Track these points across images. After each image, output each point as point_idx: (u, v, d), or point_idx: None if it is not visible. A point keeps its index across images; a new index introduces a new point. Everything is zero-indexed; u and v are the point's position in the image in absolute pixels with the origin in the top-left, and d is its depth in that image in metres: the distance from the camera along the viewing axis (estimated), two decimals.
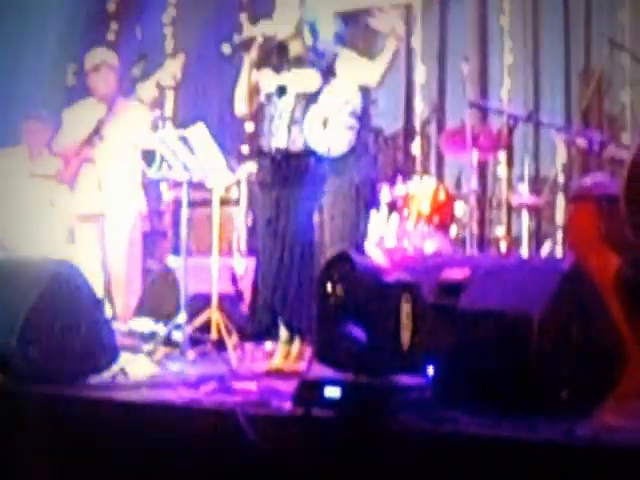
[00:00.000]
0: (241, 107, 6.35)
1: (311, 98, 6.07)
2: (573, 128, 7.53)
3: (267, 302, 6.11)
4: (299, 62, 6.16)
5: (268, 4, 7.34)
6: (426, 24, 9.75)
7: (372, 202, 6.62)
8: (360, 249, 6.24)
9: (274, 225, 6.11)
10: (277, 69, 6.19)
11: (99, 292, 6.53)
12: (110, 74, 7.59)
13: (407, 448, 4.00)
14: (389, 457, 4.02)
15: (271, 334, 6.16)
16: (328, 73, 6.10)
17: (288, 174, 6.10)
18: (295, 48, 6.20)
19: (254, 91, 6.25)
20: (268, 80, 6.19)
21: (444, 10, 9.71)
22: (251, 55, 6.20)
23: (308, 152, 6.06)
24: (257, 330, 6.25)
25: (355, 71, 6.14)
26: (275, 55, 6.23)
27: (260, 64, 6.23)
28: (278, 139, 6.09)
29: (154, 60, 8.01)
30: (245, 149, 9.60)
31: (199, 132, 7.07)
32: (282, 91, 6.12)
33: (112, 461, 4.70)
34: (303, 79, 6.11)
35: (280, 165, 6.11)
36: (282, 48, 6.22)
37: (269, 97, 6.17)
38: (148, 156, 7.40)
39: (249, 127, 9.26)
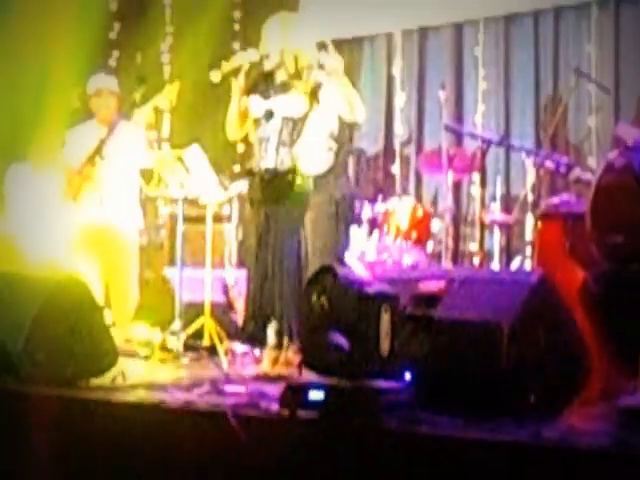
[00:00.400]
0: (232, 131, 6.34)
1: (297, 122, 6.06)
2: (542, 151, 7.52)
3: (257, 311, 6.09)
4: (285, 88, 6.14)
5: (258, 33, 7.36)
6: (406, 53, 9.76)
7: (350, 218, 6.60)
8: (341, 262, 6.23)
9: (264, 239, 6.08)
10: (265, 95, 6.16)
11: (99, 300, 6.49)
12: (111, 98, 7.57)
13: (386, 447, 3.97)
14: (369, 456, 3.99)
15: (260, 341, 6.13)
16: (312, 99, 6.09)
17: (277, 192, 6.08)
18: (281, 75, 6.18)
19: (244, 116, 6.23)
20: (257, 105, 6.17)
21: (422, 40, 9.71)
22: (239, 82, 6.20)
23: (295, 171, 6.05)
24: (247, 336, 6.22)
25: (335, 103, 6.13)
26: (262, 82, 6.22)
27: (249, 90, 6.21)
28: (267, 160, 6.07)
29: (152, 85, 7.98)
30: (237, 168, 9.57)
31: (194, 153, 7.09)
32: (270, 115, 6.10)
33: (110, 459, 4.67)
34: (289, 104, 6.08)
35: (269, 184, 6.09)
36: (269, 75, 6.21)
37: (258, 121, 6.15)
38: (146, 174, 7.40)
39: (240, 148, 9.28)
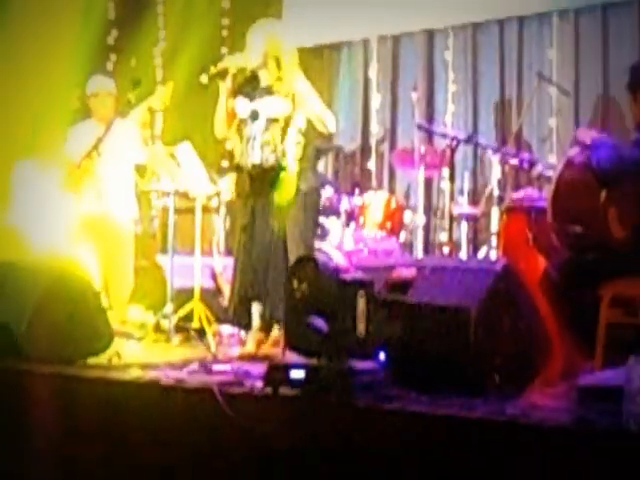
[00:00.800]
0: (220, 130, 6.34)
1: (281, 122, 6.07)
2: (506, 149, 7.53)
3: (243, 295, 6.09)
4: (269, 91, 6.13)
5: (244, 38, 7.34)
6: (381, 58, 9.74)
7: (318, 209, 6.62)
8: (312, 250, 6.25)
9: (250, 229, 6.10)
10: (250, 97, 6.16)
11: (97, 285, 6.48)
12: (108, 99, 7.54)
13: (360, 422, 3.98)
14: (345, 430, 3.99)
15: (246, 324, 6.13)
16: (293, 101, 6.08)
17: (262, 186, 6.08)
18: (265, 79, 6.17)
19: (231, 116, 6.23)
20: (242, 106, 6.16)
21: (396, 46, 9.70)
22: (226, 84, 6.20)
23: (279, 167, 6.05)
24: (234, 319, 6.22)
25: (310, 107, 6.14)
26: (248, 85, 6.22)
27: (235, 93, 6.21)
28: (254, 157, 6.09)
29: (146, 87, 7.97)
30: (225, 164, 9.55)
31: (185, 149, 7.08)
32: (255, 116, 6.11)
33: (105, 432, 4.67)
34: (272, 106, 6.08)
35: (256, 179, 6.10)
36: (253, 78, 6.21)
37: (244, 121, 6.15)
38: (140, 169, 7.39)
39: (228, 145, 9.23)
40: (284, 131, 6.09)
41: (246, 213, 6.15)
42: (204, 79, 5.87)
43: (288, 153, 6.10)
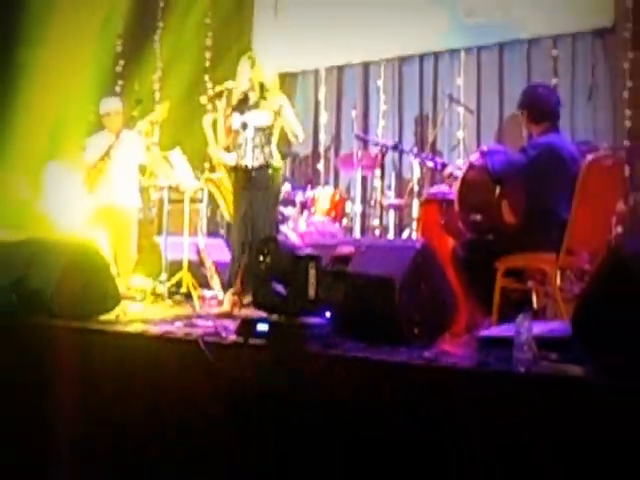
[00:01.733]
0: (222, 140, 6.29)
1: (265, 130, 6.07)
2: (424, 154, 7.53)
3: (235, 264, 6.06)
4: (255, 106, 6.10)
5: (224, 69, 7.30)
6: (328, 84, 9.72)
7: (278, 200, 6.60)
8: (276, 232, 6.26)
9: (242, 218, 6.07)
10: (241, 112, 6.11)
11: (108, 258, 6.44)
12: (117, 115, 7.48)
13: (311, 364, 3.98)
14: (300, 371, 3.99)
15: (231, 286, 6.09)
16: (277, 115, 6.07)
17: (253, 181, 6.06)
18: (252, 98, 6.13)
19: (229, 130, 6.18)
20: (236, 120, 6.12)
21: (340, 74, 9.67)
22: (222, 103, 6.17)
23: (266, 166, 6.06)
24: (229, 282, 6.17)
25: (286, 120, 6.14)
26: (241, 103, 6.15)
27: (230, 110, 6.16)
28: (246, 159, 6.06)
29: (147, 105, 7.95)
30: (207, 165, 9.52)
31: (176, 154, 7.08)
32: (245, 126, 6.07)
33: (114, 373, 4.64)
34: (258, 118, 6.06)
35: (249, 176, 6.07)
36: (244, 98, 6.15)
37: (237, 131, 6.12)
38: (142, 169, 7.35)
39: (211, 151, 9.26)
40: (267, 138, 6.07)
41: (242, 202, 6.11)
42: (203, 100, 5.88)
43: (274, 154, 6.10)
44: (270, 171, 6.09)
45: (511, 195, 5.14)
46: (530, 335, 3.66)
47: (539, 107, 5.23)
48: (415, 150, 8.45)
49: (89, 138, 7.66)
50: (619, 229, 7.09)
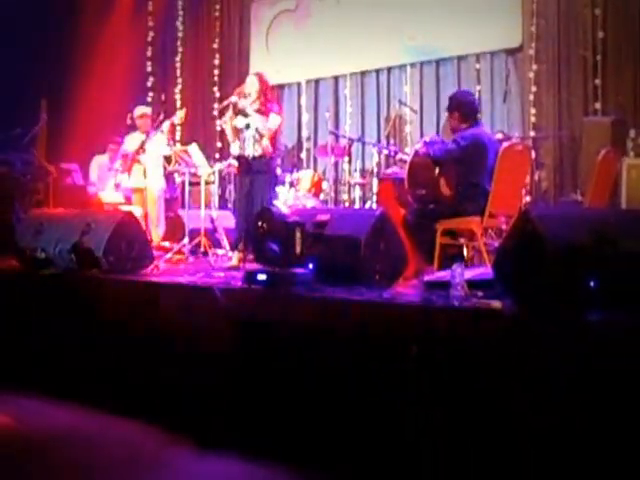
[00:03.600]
0: (231, 138, 6.16)
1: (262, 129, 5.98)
2: (381, 145, 7.50)
3: (240, 230, 6.03)
4: (258, 112, 6.01)
5: (229, 82, 7.21)
6: (308, 92, 9.61)
7: (275, 181, 6.55)
8: (273, 205, 6.20)
9: (245, 195, 6.01)
10: (245, 115, 6.02)
11: (144, 227, 6.40)
12: (147, 120, 7.40)
13: (299, 304, 3.97)
14: (290, 309, 3.98)
15: (237, 247, 6.07)
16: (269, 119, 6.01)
17: (253, 168, 5.99)
18: (255, 105, 6.04)
19: (236, 130, 6.07)
20: (240, 122, 6.03)
21: (317, 85, 9.53)
22: (229, 113, 6.09)
23: (263, 156, 5.98)
24: (235, 243, 6.14)
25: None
26: (244, 109, 6.04)
27: (236, 114, 6.06)
28: (248, 150, 5.99)
29: (170, 111, 7.88)
30: (217, 155, 9.45)
31: (194, 147, 7.01)
32: (248, 126, 5.99)
33: (149, 314, 4.60)
34: (258, 120, 5.98)
35: (249, 163, 6.00)
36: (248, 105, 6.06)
37: (241, 130, 6.03)
38: (168, 159, 7.27)
39: (219, 144, 9.18)
40: (263, 135, 5.97)
41: (244, 185, 6.04)
42: (215, 111, 5.80)
43: (270, 147, 6.02)
44: (265, 160, 6.01)
45: (447, 174, 5.14)
46: (462, 278, 3.67)
47: (466, 108, 5.21)
48: (375, 142, 8.43)
49: (127, 137, 7.55)
50: (527, 197, 7.12)
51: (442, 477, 3.26)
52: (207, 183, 7.53)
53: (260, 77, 6.13)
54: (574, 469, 2.94)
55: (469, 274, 3.89)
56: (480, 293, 3.67)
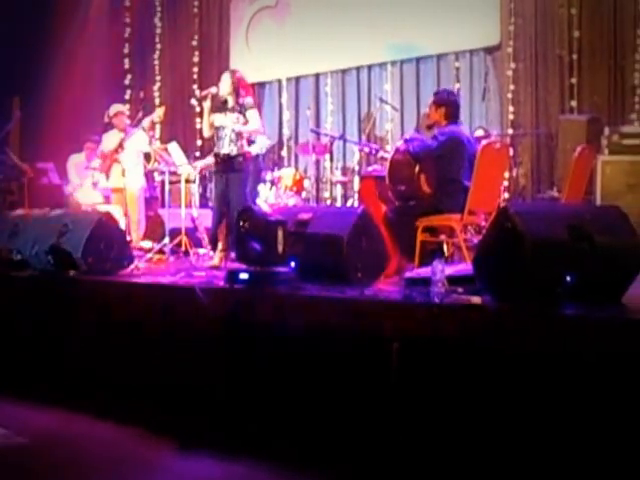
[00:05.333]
0: (206, 133, 6.17)
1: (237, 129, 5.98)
2: (362, 143, 7.55)
3: (215, 229, 6.04)
4: (233, 110, 6.00)
5: (208, 80, 7.20)
6: (288, 90, 9.63)
7: (257, 179, 6.57)
8: (254, 204, 6.22)
9: (220, 193, 6.02)
10: (222, 112, 6.02)
11: (123, 227, 6.40)
12: (122, 117, 7.38)
13: (280, 303, 3.99)
14: (272, 307, 4.02)
15: (215, 246, 6.09)
16: (245, 118, 5.99)
17: (229, 166, 5.98)
18: (230, 102, 6.03)
19: (211, 125, 6.06)
20: (217, 119, 6.02)
21: (297, 83, 9.58)
22: (207, 104, 6.06)
23: (239, 155, 5.98)
24: (212, 243, 6.18)
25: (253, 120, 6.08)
26: (221, 106, 6.05)
27: (213, 111, 6.05)
28: (224, 149, 5.98)
29: (149, 109, 7.86)
30: (197, 153, 9.46)
31: (174, 145, 7.01)
32: (225, 124, 5.98)
33: (127, 314, 4.63)
34: (235, 119, 5.97)
35: (225, 162, 6.00)
36: (224, 102, 6.05)
37: (218, 128, 6.01)
38: (147, 157, 7.26)
39: (199, 143, 9.20)
40: (240, 134, 5.98)
41: (220, 183, 6.05)
42: (193, 101, 5.72)
43: (245, 146, 6.04)
44: (241, 159, 6.00)
45: (427, 171, 5.19)
46: (443, 275, 3.73)
47: (452, 107, 5.26)
48: (356, 140, 8.47)
49: (104, 135, 7.51)
50: (506, 194, 7.21)
51: (426, 474, 3.32)
52: (187, 182, 7.54)
53: (233, 74, 6.12)
54: (557, 459, 3.02)
55: (449, 270, 3.94)
56: (460, 289, 3.73)
